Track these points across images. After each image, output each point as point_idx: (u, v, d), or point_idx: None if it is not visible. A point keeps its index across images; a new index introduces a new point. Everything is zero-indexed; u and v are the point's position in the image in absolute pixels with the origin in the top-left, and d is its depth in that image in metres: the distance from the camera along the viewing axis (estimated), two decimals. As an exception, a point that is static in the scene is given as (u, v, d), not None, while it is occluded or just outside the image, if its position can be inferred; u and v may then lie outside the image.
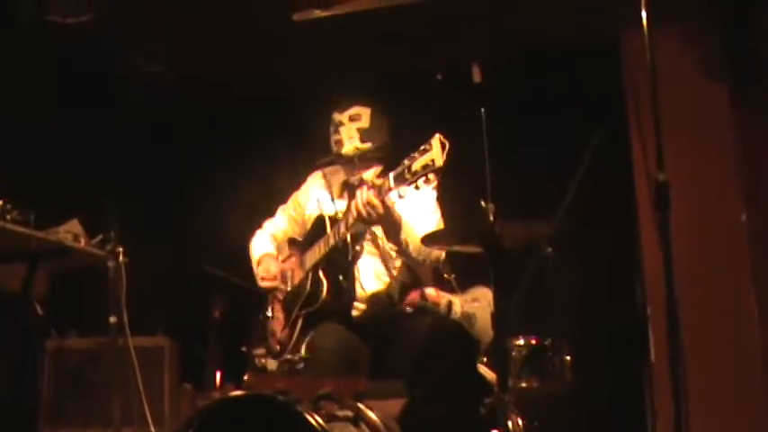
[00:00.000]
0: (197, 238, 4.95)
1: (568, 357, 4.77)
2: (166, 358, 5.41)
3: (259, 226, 4.88)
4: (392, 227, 4.23)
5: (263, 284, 4.63)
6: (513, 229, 3.81)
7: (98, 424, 4.97)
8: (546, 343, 4.74)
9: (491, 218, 3.77)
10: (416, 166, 3.83)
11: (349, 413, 3.66)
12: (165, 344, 5.46)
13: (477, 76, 4.20)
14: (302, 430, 3.31)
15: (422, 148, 3.83)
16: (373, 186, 4.09)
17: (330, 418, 3.50)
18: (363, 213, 4.08)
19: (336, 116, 4.58)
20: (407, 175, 3.86)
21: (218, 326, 5.34)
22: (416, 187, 3.87)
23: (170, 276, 5.93)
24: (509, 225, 3.76)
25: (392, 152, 4.37)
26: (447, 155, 3.78)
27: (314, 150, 4.77)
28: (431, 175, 3.83)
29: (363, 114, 4.53)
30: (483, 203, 3.80)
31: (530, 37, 5.80)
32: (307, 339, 4.26)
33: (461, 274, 4.66)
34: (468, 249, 4.09)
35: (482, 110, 3.91)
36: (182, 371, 5.57)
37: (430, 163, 3.79)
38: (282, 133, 5.98)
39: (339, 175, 4.65)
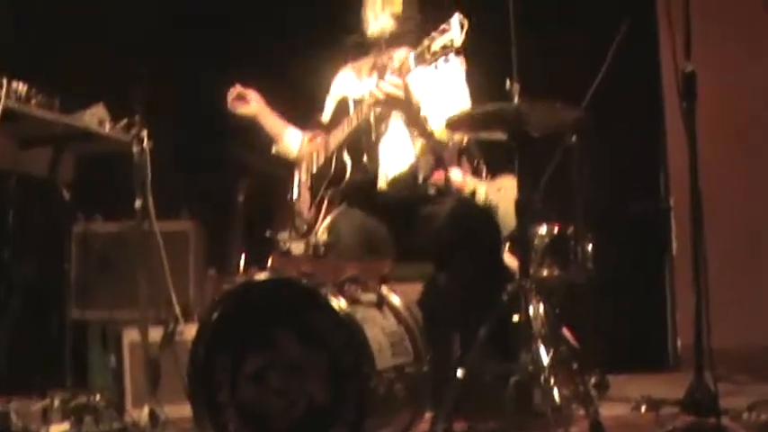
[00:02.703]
0: (224, 121, 4.90)
1: (590, 246, 4.82)
2: (192, 242, 5.44)
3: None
4: (411, 109, 4.21)
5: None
6: (540, 112, 3.77)
7: (125, 306, 5.04)
8: (568, 231, 4.78)
9: (516, 98, 3.75)
10: (436, 46, 3.82)
11: (372, 297, 3.71)
12: (189, 228, 5.49)
13: None
14: (325, 313, 3.36)
15: (441, 27, 3.81)
16: (393, 70, 4.08)
17: (353, 301, 3.55)
18: (382, 95, 4.08)
19: None
20: (427, 56, 3.86)
21: (242, 210, 5.37)
22: (435, 67, 3.86)
23: (196, 160, 5.95)
24: (535, 108, 3.73)
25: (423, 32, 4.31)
26: (466, 34, 3.76)
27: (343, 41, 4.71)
28: (451, 55, 3.81)
29: None
30: (508, 83, 3.78)
31: None
32: (328, 222, 4.29)
33: (490, 160, 4.65)
34: (492, 137, 4.09)
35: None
36: (207, 255, 5.61)
37: (449, 43, 3.77)
38: (317, 20, 5.89)
39: (367, 60, 4.60)
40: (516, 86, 3.76)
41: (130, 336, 4.84)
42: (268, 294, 3.50)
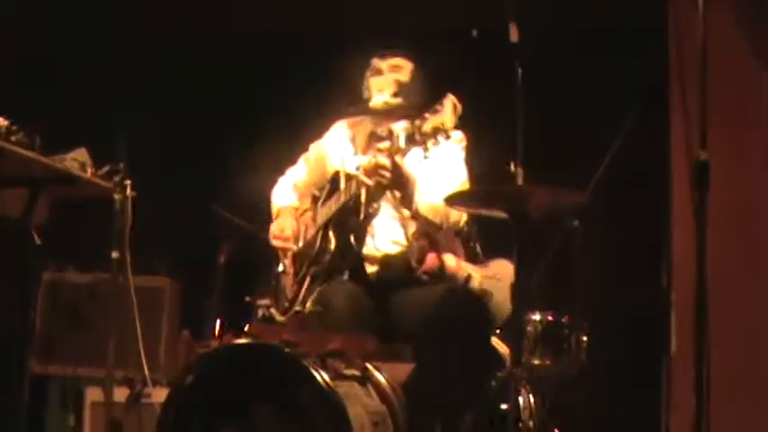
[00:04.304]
0: (210, 178, 4.74)
1: (585, 338, 4.64)
2: (166, 301, 5.22)
3: (281, 173, 4.68)
4: (403, 188, 4.05)
5: (274, 242, 4.46)
6: (542, 195, 3.63)
7: (90, 362, 4.81)
8: (563, 320, 4.62)
9: (519, 182, 3.61)
10: (427, 127, 3.69)
11: (356, 372, 3.52)
12: (165, 285, 5.26)
13: (513, 35, 4.05)
14: (307, 386, 3.16)
15: (433, 108, 3.69)
16: (382, 148, 3.93)
17: (336, 375, 3.35)
18: (373, 174, 3.93)
19: (376, 62, 4.37)
20: (417, 137, 3.72)
21: (222, 272, 5.20)
22: (426, 149, 3.73)
23: (177, 215, 5.76)
24: (538, 191, 3.59)
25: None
26: (457, 117, 3.65)
27: (341, 97, 4.56)
28: (440, 137, 3.68)
29: (405, 67, 4.33)
30: (512, 166, 3.64)
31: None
32: (315, 294, 4.10)
33: (485, 242, 4.49)
34: (491, 214, 3.92)
35: (518, 68, 3.77)
36: (180, 316, 5.39)
37: (440, 125, 3.65)
38: (310, 76, 5.77)
39: (365, 126, 4.42)
40: (519, 169, 3.63)
41: (93, 394, 4.62)
42: (247, 360, 3.29)
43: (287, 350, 3.28)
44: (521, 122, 3.61)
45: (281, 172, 4.68)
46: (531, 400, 3.96)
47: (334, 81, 4.64)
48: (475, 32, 4.22)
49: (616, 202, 5.06)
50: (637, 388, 5.59)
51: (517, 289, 3.63)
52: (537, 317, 4.59)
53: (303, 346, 3.37)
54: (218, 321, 5.18)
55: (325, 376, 3.18)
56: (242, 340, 3.42)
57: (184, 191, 5.78)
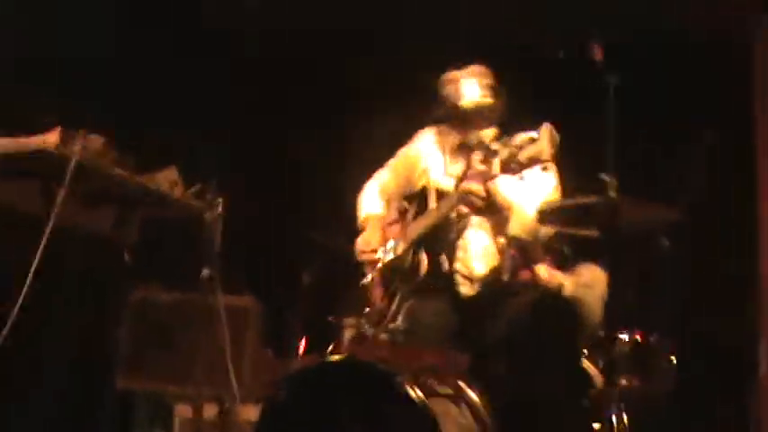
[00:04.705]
0: (297, 196, 4.75)
1: (673, 359, 4.57)
2: (251, 320, 5.20)
3: (369, 177, 4.67)
4: (497, 214, 4.04)
5: (362, 257, 4.45)
6: (637, 208, 3.59)
7: (177, 380, 4.81)
8: (651, 340, 4.55)
9: (613, 193, 3.58)
10: (523, 156, 3.68)
11: (449, 390, 3.48)
12: (251, 305, 5.25)
13: (597, 54, 4.04)
14: (400, 403, 3.14)
15: (530, 136, 3.67)
16: (476, 175, 3.92)
17: (430, 392, 3.32)
18: (467, 203, 3.92)
19: (455, 73, 4.34)
20: (513, 165, 3.71)
21: (307, 291, 5.20)
22: (521, 178, 3.74)
23: (263, 234, 5.77)
24: (632, 204, 3.56)
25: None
26: (555, 147, 3.62)
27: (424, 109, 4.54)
28: (537, 167, 3.65)
29: (487, 72, 4.30)
30: (605, 177, 3.61)
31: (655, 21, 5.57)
32: (405, 309, 4.08)
33: (575, 247, 4.45)
34: (584, 232, 3.90)
35: (610, 83, 3.77)
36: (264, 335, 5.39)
37: (536, 155, 3.63)
38: (393, 93, 5.76)
39: (453, 136, 4.40)
40: (613, 181, 3.60)
41: (182, 411, 4.61)
42: (342, 378, 3.29)
43: (380, 367, 3.27)
44: (612, 135, 3.60)
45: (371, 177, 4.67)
46: (625, 419, 3.90)
47: (420, 91, 4.60)
48: (561, 53, 4.22)
49: (704, 222, 4.98)
50: (724, 411, 5.50)
51: (610, 306, 3.59)
52: (625, 336, 4.52)
53: (396, 362, 3.36)
54: (302, 341, 5.18)
55: (420, 393, 3.17)
56: (337, 357, 3.41)
57: (268, 208, 5.79)
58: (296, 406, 3.27)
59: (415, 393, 3.15)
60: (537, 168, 3.72)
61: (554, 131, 3.65)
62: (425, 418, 3.13)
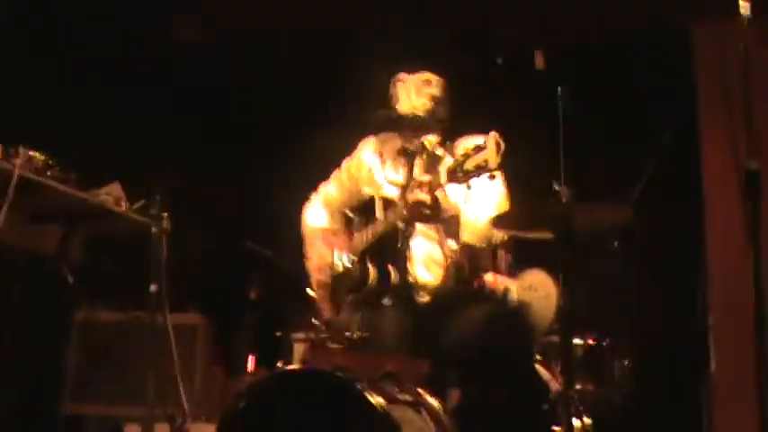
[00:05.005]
0: (240, 210, 4.69)
1: (627, 362, 4.58)
2: (200, 338, 5.13)
3: (314, 189, 4.62)
4: (446, 222, 4.02)
5: (309, 270, 4.41)
6: (589, 212, 3.59)
7: (125, 400, 4.72)
8: (604, 344, 4.55)
9: (564, 201, 3.58)
10: (469, 165, 3.62)
11: (408, 397, 3.43)
12: (198, 322, 5.17)
13: (539, 62, 4.04)
14: (360, 411, 3.09)
15: (476, 145, 3.62)
16: (422, 184, 3.88)
17: (391, 399, 3.27)
18: (413, 210, 3.89)
19: (404, 76, 4.30)
20: (459, 173, 3.66)
21: (254, 307, 5.13)
22: (468, 186, 3.69)
23: (207, 250, 5.69)
24: (584, 209, 3.56)
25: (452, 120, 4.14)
26: (501, 155, 3.58)
27: (370, 111, 4.49)
28: (484, 176, 3.63)
29: (435, 82, 4.26)
30: (556, 186, 3.61)
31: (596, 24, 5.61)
32: (357, 320, 4.03)
33: (516, 253, 4.44)
34: (537, 235, 3.89)
35: (559, 88, 3.78)
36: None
37: (483, 163, 3.58)
38: (336, 98, 5.73)
39: (394, 142, 4.35)
40: (564, 188, 3.60)
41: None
42: (300, 387, 3.22)
43: (339, 375, 3.22)
44: (562, 141, 3.61)
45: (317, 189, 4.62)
46: (587, 422, 3.89)
47: (364, 95, 4.55)
48: (499, 60, 4.21)
49: (655, 221, 5.00)
50: (677, 411, 5.51)
51: (564, 311, 3.58)
52: (578, 341, 4.53)
53: (355, 369, 3.31)
54: (250, 358, 5.11)
55: (380, 400, 3.12)
56: (294, 366, 3.35)
57: (211, 222, 5.71)
58: (255, 415, 3.20)
59: (376, 400, 3.10)
60: (484, 177, 3.69)
61: (500, 140, 3.61)
62: (388, 426, 3.07)
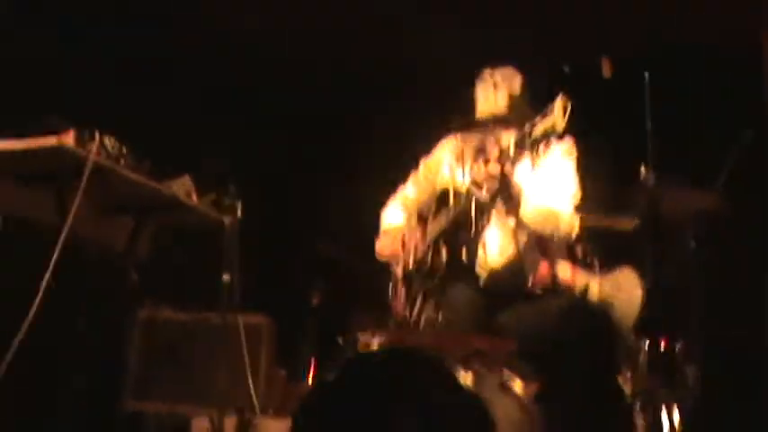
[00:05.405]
0: (310, 212, 4.64)
1: (695, 367, 4.46)
2: (264, 338, 5.04)
3: (394, 193, 4.59)
4: (510, 198, 3.96)
5: (380, 259, 4.38)
6: (675, 198, 3.53)
7: (189, 400, 4.66)
8: (676, 347, 4.43)
9: (652, 186, 3.53)
10: (537, 131, 3.58)
11: (496, 379, 3.36)
12: (263, 323, 5.09)
13: (606, 70, 4.01)
14: (448, 390, 3.02)
15: (543, 111, 3.57)
16: (492, 156, 3.84)
17: (480, 379, 3.19)
18: (482, 183, 3.84)
19: (487, 73, 4.30)
20: (527, 141, 3.62)
21: (317, 312, 5.09)
22: (537, 154, 3.68)
23: (275, 251, 5.65)
24: (671, 194, 3.50)
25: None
26: (568, 118, 3.52)
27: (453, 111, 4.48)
28: (553, 141, 3.59)
29: (515, 79, 4.25)
30: (644, 170, 3.55)
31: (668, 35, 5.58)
32: (433, 304, 3.97)
33: (604, 254, 4.35)
34: (614, 223, 3.82)
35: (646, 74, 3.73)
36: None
37: (550, 128, 3.52)
38: (412, 98, 5.70)
39: (473, 139, 4.33)
40: (651, 174, 3.54)
41: (200, 425, 4.45)
42: (386, 366, 3.14)
43: (428, 353, 3.16)
44: (650, 125, 3.56)
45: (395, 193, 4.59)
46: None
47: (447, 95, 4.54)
48: (566, 68, 4.18)
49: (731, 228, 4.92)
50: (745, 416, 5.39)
51: (650, 296, 3.50)
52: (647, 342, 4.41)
53: (442, 348, 3.24)
54: (311, 362, 5.06)
55: (469, 379, 3.05)
56: (382, 345, 3.28)
57: (281, 223, 5.68)
58: (337, 397, 3.13)
59: (466, 381, 3.03)
60: (555, 154, 3.63)
61: (566, 102, 3.54)
62: (476, 405, 3.00)
